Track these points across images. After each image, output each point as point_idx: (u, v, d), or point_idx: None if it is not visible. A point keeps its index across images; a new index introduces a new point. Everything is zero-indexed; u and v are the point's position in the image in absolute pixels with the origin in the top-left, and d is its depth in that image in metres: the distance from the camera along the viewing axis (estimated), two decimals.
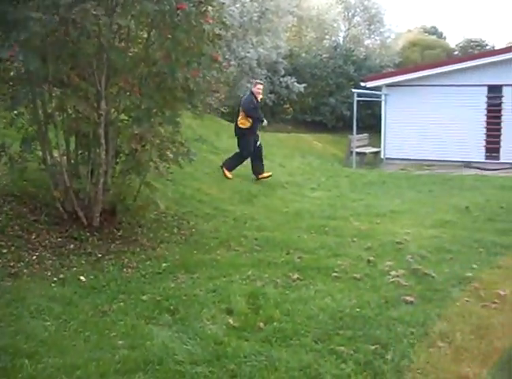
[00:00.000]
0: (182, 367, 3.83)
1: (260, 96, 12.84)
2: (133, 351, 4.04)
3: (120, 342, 4.20)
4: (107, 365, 3.80)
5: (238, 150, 12.61)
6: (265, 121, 13.30)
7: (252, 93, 12.68)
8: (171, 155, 7.26)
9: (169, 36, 6.65)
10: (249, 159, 12.60)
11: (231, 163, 12.33)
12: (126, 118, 7.24)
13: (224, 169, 12.11)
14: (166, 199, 8.69)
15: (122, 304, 5.02)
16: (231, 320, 4.69)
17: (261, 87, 12.96)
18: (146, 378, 3.68)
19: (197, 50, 6.86)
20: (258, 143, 12.65)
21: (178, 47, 6.63)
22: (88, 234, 6.70)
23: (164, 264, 6.20)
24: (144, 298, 5.16)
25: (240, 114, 12.48)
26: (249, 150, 12.44)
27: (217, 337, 4.34)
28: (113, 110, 7.04)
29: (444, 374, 3.82)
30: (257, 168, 12.59)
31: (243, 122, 12.41)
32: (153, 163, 7.05)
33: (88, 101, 6.63)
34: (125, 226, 7.28)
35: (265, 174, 12.56)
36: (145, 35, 7.10)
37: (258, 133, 12.93)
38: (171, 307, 4.94)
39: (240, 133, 12.52)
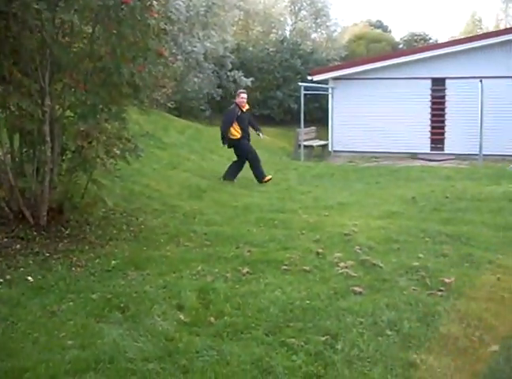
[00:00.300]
0: (133, 365, 3.81)
1: (245, 106, 12.80)
2: (84, 351, 4.00)
3: (70, 342, 4.15)
4: (56, 367, 3.76)
5: (236, 159, 12.86)
6: (262, 135, 13.55)
7: (237, 104, 12.72)
8: (117, 152, 7.19)
9: (114, 31, 6.58)
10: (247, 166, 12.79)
11: (258, 173, 12.56)
12: (72, 114, 7.14)
13: (262, 181, 12.43)
14: (114, 196, 8.61)
15: (71, 303, 4.95)
16: (181, 316, 4.69)
17: (244, 96, 12.86)
18: (97, 378, 3.65)
19: (143, 45, 6.81)
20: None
21: (123, 42, 6.57)
22: (34, 233, 6.59)
23: (114, 262, 6.14)
24: (93, 296, 5.11)
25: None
26: (251, 152, 12.64)
27: (168, 333, 4.34)
28: (58, 106, 6.93)
29: (393, 362, 3.91)
30: (234, 171, 12.70)
31: (233, 133, 12.53)
32: (100, 159, 6.97)
33: (32, 98, 6.51)
34: (72, 224, 7.18)
35: (235, 180, 12.54)
36: (90, 30, 6.99)
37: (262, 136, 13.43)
38: (122, 305, 4.90)
39: (234, 143, 12.68)
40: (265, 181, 12.44)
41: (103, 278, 5.67)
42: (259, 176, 12.56)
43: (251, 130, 13.12)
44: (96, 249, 6.59)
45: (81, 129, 6.54)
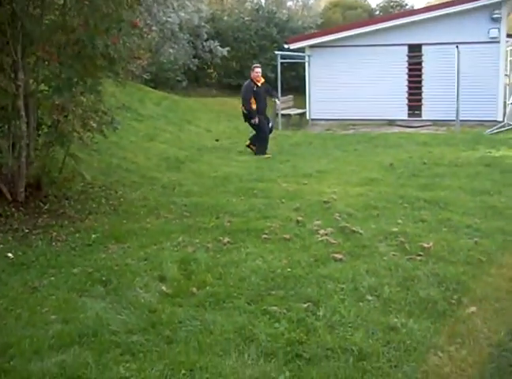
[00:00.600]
0: (117, 337, 3.83)
1: (260, 80, 12.84)
2: (67, 325, 4.01)
3: (53, 317, 4.16)
4: (40, 342, 3.76)
5: (254, 132, 12.95)
6: (278, 101, 14.28)
7: (251, 80, 12.80)
8: (94, 125, 7.14)
9: (86, 2, 6.48)
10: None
11: (260, 148, 12.60)
12: (46, 88, 7.04)
13: (260, 156, 12.32)
14: (92, 169, 8.57)
15: (52, 278, 4.95)
16: (164, 288, 4.71)
17: (258, 70, 12.89)
18: (82, 351, 3.66)
19: (116, 16, 6.71)
20: (270, 125, 13.09)
21: (96, 14, 6.48)
22: (13, 209, 6.56)
23: (94, 236, 6.13)
24: (75, 270, 5.11)
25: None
26: (264, 129, 12.75)
27: (151, 305, 4.36)
28: (32, 80, 6.84)
29: (374, 326, 3.96)
30: (263, 146, 12.74)
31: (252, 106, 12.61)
32: (77, 133, 6.92)
33: (5, 72, 6.43)
34: (51, 199, 7.15)
35: (266, 155, 12.44)
36: (61, 2, 6.88)
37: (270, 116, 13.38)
38: (103, 278, 4.91)
39: (247, 117, 12.81)
40: (267, 156, 12.32)
41: (84, 252, 5.67)
42: (260, 152, 12.53)
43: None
44: (76, 223, 6.57)
45: (56, 102, 6.47)
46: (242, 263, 5.27)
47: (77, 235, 6.17)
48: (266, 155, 12.39)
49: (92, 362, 3.50)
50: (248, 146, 12.86)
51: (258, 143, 12.77)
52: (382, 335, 3.82)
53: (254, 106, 12.60)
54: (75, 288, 4.73)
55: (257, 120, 12.54)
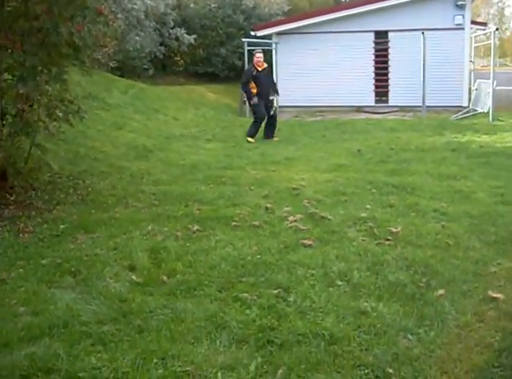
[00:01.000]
0: (88, 328, 3.81)
1: (262, 66, 13.05)
2: (37, 317, 3.97)
3: (22, 309, 4.11)
4: (10, 334, 3.71)
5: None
6: (275, 101, 13.46)
7: (253, 65, 13.10)
8: (60, 114, 7.05)
9: None
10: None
11: (251, 130, 12.88)
12: (10, 77, 6.91)
13: (247, 137, 12.70)
14: (59, 159, 8.47)
15: (21, 270, 4.89)
16: (134, 277, 4.69)
17: (260, 55, 13.11)
18: (52, 343, 3.63)
19: (81, 3, 6.60)
20: (272, 112, 13.16)
21: (60, 0, 6.36)
22: None
23: (62, 226, 6.07)
24: (43, 262, 5.05)
25: None
26: (261, 113, 12.96)
27: (122, 294, 4.33)
28: None
29: (344, 310, 4.00)
30: (268, 133, 13.14)
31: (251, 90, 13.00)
32: (42, 122, 6.82)
33: None
34: (18, 190, 7.05)
35: (274, 138, 13.02)
36: None
37: (275, 102, 13.40)
38: (73, 269, 4.87)
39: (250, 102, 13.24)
40: (248, 141, 12.57)
41: (53, 243, 5.62)
42: (249, 132, 12.89)
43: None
44: (44, 214, 6.50)
45: (21, 91, 6.35)
46: (212, 251, 5.27)
47: (45, 226, 6.10)
48: (251, 139, 12.63)
49: (62, 354, 3.47)
50: (246, 136, 12.93)
51: (252, 124, 13.04)
52: (353, 320, 3.86)
53: (254, 90, 12.92)
54: (44, 280, 4.68)
55: (256, 100, 12.91)
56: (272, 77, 13.72)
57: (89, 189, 7.68)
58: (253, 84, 12.93)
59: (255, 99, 12.95)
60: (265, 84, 13.04)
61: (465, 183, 7.80)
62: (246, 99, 13.48)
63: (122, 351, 3.52)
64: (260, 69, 12.97)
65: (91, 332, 3.75)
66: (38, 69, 6.66)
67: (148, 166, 9.41)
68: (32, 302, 4.25)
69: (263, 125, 13.13)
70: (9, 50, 6.54)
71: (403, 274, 4.65)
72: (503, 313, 3.92)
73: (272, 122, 13.24)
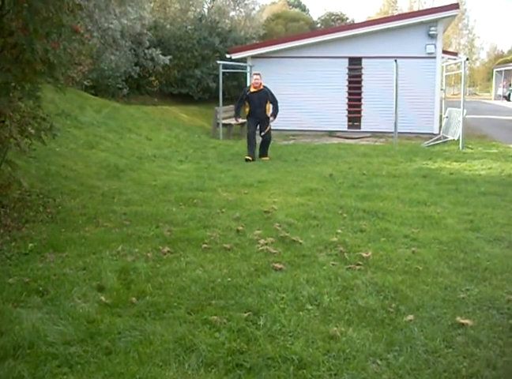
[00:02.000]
0: (54, 349, 3.74)
1: (257, 87, 13.59)
2: (1, 338, 3.89)
3: None
4: None
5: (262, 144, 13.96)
6: (272, 118, 13.84)
7: (251, 85, 14.08)
8: (32, 131, 6.99)
9: (25, 5, 6.32)
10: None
11: (248, 147, 13.63)
12: None
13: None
14: (29, 177, 8.37)
15: None
16: (102, 297, 4.63)
17: (256, 77, 13.73)
18: (17, 364, 3.56)
19: (57, 20, 6.58)
20: (263, 133, 13.73)
21: (35, 17, 6.31)
22: None
23: (31, 245, 5.98)
24: (10, 280, 4.97)
25: None
26: (249, 130, 13.75)
27: (90, 315, 4.28)
28: None
29: (314, 335, 4.00)
30: (261, 152, 13.79)
31: (245, 110, 14.01)
32: (14, 139, 6.74)
33: None
34: None
35: (263, 158, 13.66)
36: None
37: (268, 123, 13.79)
38: (40, 288, 4.80)
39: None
40: (245, 159, 13.25)
41: (20, 261, 5.53)
42: (248, 150, 13.56)
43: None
44: (12, 231, 6.40)
45: None
46: (182, 272, 5.24)
47: (13, 244, 6.01)
48: (247, 157, 13.34)
49: (27, 376, 3.41)
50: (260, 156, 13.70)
51: (247, 144, 13.78)
52: (322, 344, 3.86)
53: (246, 109, 13.81)
54: (10, 299, 4.59)
55: (238, 120, 14.80)
56: (270, 99, 13.78)
57: (59, 207, 7.59)
58: (246, 105, 13.72)
59: (238, 119, 14.59)
60: (256, 105, 13.52)
61: (435, 209, 7.88)
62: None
63: (88, 373, 3.47)
64: (253, 90, 13.59)
65: (57, 353, 3.69)
66: (11, 86, 6.61)
67: (120, 186, 9.35)
68: None
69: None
70: None
71: (373, 299, 4.66)
72: (471, 339, 3.95)
73: (264, 143, 13.84)
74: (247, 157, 13.29)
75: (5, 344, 3.78)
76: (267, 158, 13.61)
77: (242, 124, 20.37)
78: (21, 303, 4.53)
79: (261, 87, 13.60)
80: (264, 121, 13.65)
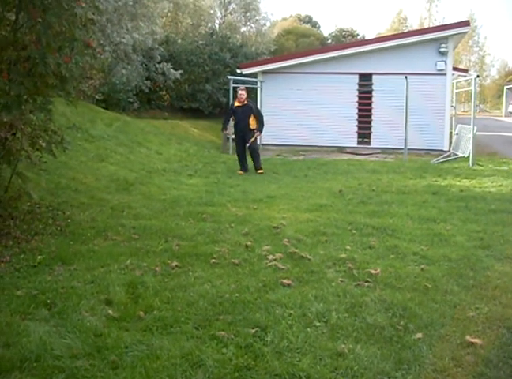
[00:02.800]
0: (61, 362, 3.73)
1: (242, 102, 13.92)
2: (8, 350, 3.88)
3: None
4: None
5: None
6: (257, 133, 14.14)
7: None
8: (43, 144, 7.03)
9: (39, 20, 6.39)
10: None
11: (239, 164, 14.05)
12: None
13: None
14: (39, 189, 8.42)
15: None
16: (110, 311, 4.63)
17: (240, 92, 14.01)
18: (23, 377, 3.55)
19: (70, 34, 6.64)
20: (248, 144, 13.94)
21: (49, 32, 6.38)
22: None
23: (40, 257, 5.99)
24: (18, 293, 4.97)
25: None
26: (237, 148, 14.26)
27: (97, 329, 4.27)
28: None
29: (321, 352, 3.97)
30: (255, 166, 13.98)
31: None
32: (25, 152, 6.79)
33: None
34: None
35: (258, 171, 13.82)
36: (13, 18, 6.77)
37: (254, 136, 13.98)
38: (48, 301, 4.80)
39: None
40: (238, 172, 13.72)
41: (29, 274, 5.54)
42: (240, 166, 14.02)
43: None
44: (21, 244, 6.42)
45: (5, 120, 6.33)
46: (191, 287, 5.23)
47: (22, 256, 6.02)
48: (239, 171, 13.79)
49: None
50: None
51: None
52: (330, 361, 3.83)
53: (233, 123, 14.31)
54: (18, 311, 4.60)
55: (227, 132, 15.22)
56: (254, 113, 14.12)
57: (69, 220, 7.61)
58: (233, 117, 14.26)
59: (225, 131, 15.17)
60: (240, 119, 13.93)
61: (445, 226, 7.84)
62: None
63: None
64: (238, 104, 13.99)
65: (64, 367, 3.68)
66: (23, 98, 6.65)
67: (129, 200, 9.37)
68: (5, 333, 4.16)
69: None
70: None
71: (381, 316, 4.63)
72: (481, 359, 3.91)
73: (251, 154, 14.03)
74: (239, 172, 13.81)
75: (12, 356, 3.78)
76: (261, 171, 13.77)
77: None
78: (29, 316, 4.53)
79: (245, 102, 13.98)
80: (248, 134, 13.94)
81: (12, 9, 6.78)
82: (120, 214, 8.30)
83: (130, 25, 20.98)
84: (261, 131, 14.26)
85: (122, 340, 4.07)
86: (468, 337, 4.23)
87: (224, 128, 14.79)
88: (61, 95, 7.43)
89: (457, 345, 4.14)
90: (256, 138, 14.19)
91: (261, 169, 13.86)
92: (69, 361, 3.76)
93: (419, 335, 4.26)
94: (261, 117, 14.31)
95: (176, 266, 5.86)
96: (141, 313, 4.60)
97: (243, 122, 13.89)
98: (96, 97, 17.64)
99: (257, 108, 14.42)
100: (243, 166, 13.98)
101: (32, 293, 4.97)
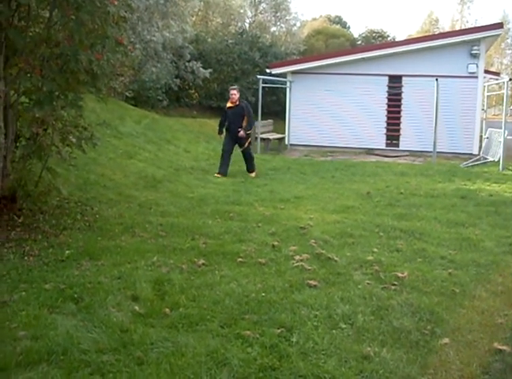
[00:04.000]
0: (87, 356, 3.77)
1: (233, 102, 13.28)
2: (36, 342, 3.93)
3: (22, 333, 4.07)
4: (8, 358, 3.67)
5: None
6: (241, 132, 13.17)
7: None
8: (73, 140, 7.09)
9: (72, 17, 6.44)
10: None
11: (220, 165, 12.99)
12: (27, 100, 6.98)
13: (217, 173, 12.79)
14: (69, 185, 8.50)
15: (23, 293, 4.86)
16: (136, 307, 4.65)
17: (232, 92, 13.33)
18: (50, 369, 3.59)
19: (102, 32, 6.69)
20: (241, 149, 13.31)
21: (81, 29, 6.43)
22: None
23: (68, 252, 6.05)
24: (47, 286, 5.02)
25: None
26: (223, 146, 13.30)
27: (123, 324, 4.29)
28: (13, 92, 6.77)
29: (347, 354, 3.95)
30: (247, 167, 13.37)
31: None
32: (55, 147, 6.86)
33: None
34: (26, 212, 7.05)
35: (251, 174, 13.16)
36: (47, 15, 6.83)
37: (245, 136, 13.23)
38: (76, 295, 4.84)
39: None
40: (215, 175, 12.68)
41: (57, 268, 5.59)
42: (219, 167, 12.96)
43: None
44: (50, 238, 6.48)
45: (37, 115, 6.40)
46: (217, 286, 5.24)
47: (51, 250, 6.08)
48: (217, 174, 12.74)
49: None
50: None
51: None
52: (355, 364, 3.81)
53: (225, 124, 13.35)
54: (46, 304, 4.65)
55: (221, 135, 13.53)
56: (246, 114, 13.29)
57: (97, 216, 7.68)
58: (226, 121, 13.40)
59: (220, 135, 13.64)
60: (232, 120, 13.21)
61: (473, 231, 7.76)
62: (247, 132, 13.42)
63: None
64: (230, 105, 13.37)
65: (90, 361, 3.71)
66: (55, 95, 6.72)
67: (157, 197, 9.42)
68: (33, 326, 4.21)
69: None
70: (28, 74, 6.61)
71: (408, 320, 4.60)
72: (509, 366, 3.86)
73: (246, 157, 13.44)
74: (216, 174, 12.71)
75: (39, 349, 3.82)
76: (254, 174, 13.19)
77: (280, 139, 20.44)
78: (56, 309, 4.58)
79: (238, 102, 13.29)
80: (240, 138, 13.19)
81: (46, 7, 6.85)
82: (147, 211, 8.34)
83: (161, 23, 21.11)
84: (245, 131, 13.17)
85: (147, 336, 4.09)
86: (496, 344, 4.18)
87: (220, 131, 13.60)
88: (92, 92, 7.49)
89: (484, 352, 4.10)
90: (250, 142, 13.58)
91: (254, 172, 13.29)
92: (96, 355, 3.79)
93: (446, 340, 4.22)
94: (252, 117, 13.54)
95: (203, 264, 5.88)
96: (167, 309, 4.62)
97: (235, 125, 13.14)
98: (126, 94, 17.79)
99: (249, 109, 13.40)
100: (223, 169, 12.91)
101: (60, 287, 5.01)
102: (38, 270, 5.49)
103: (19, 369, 3.58)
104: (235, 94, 13.27)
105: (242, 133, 13.09)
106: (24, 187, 7.17)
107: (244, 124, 13.18)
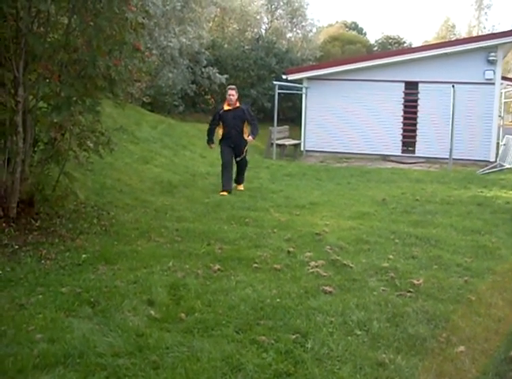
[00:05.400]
0: (103, 360, 3.79)
1: (233, 104, 11.30)
2: (53, 345, 3.97)
3: (38, 336, 4.11)
4: (25, 360, 3.71)
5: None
6: (250, 138, 11.32)
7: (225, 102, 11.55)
8: (91, 145, 7.16)
9: (91, 23, 6.52)
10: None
11: (222, 180, 11.09)
12: (45, 105, 7.06)
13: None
14: (85, 189, 8.56)
15: (40, 296, 4.90)
16: (152, 312, 4.68)
17: (230, 92, 11.36)
18: (66, 372, 3.62)
19: (120, 38, 6.76)
20: (238, 158, 11.34)
21: (99, 35, 6.51)
22: (4, 224, 6.51)
23: (84, 256, 6.10)
24: (63, 290, 5.06)
25: None
26: (223, 158, 11.22)
27: (139, 329, 4.32)
28: (31, 97, 6.85)
29: (362, 361, 3.95)
30: (236, 179, 11.60)
31: (219, 133, 11.43)
32: (73, 152, 6.93)
33: (5, 87, 6.44)
34: (43, 216, 7.12)
35: (238, 187, 11.55)
36: (66, 21, 6.91)
37: (246, 146, 11.43)
38: (92, 299, 4.87)
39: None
40: (220, 194, 10.72)
41: (73, 272, 5.63)
42: (223, 184, 11.02)
43: None
44: (67, 242, 6.53)
45: (55, 120, 6.47)
46: (232, 291, 5.25)
47: (67, 254, 6.13)
48: (221, 192, 10.79)
49: None
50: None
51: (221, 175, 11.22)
52: (370, 371, 3.81)
53: (221, 131, 11.34)
54: (63, 308, 4.69)
55: (212, 146, 11.59)
56: (248, 118, 11.32)
57: (113, 220, 7.72)
58: (221, 126, 11.32)
59: (211, 145, 11.57)
60: (232, 125, 11.15)
61: (490, 239, 7.71)
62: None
63: None
64: (227, 108, 11.27)
65: (106, 365, 3.74)
66: (73, 100, 6.79)
67: (173, 202, 9.46)
68: (49, 329, 4.25)
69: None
70: (47, 80, 6.68)
71: (423, 327, 4.58)
72: None
73: (239, 167, 11.56)
74: (222, 193, 10.76)
75: (56, 352, 3.85)
76: (242, 187, 11.59)
77: (296, 145, 20.44)
78: (73, 313, 4.61)
79: (237, 104, 11.33)
80: (240, 145, 11.23)
81: (65, 13, 6.93)
82: (163, 216, 8.38)
83: (178, 29, 21.22)
84: (254, 136, 11.30)
85: (163, 341, 4.11)
86: None
87: (210, 140, 11.53)
88: (109, 97, 7.56)
89: (500, 360, 4.07)
90: (247, 149, 11.56)
91: (241, 185, 11.65)
92: (112, 359, 3.82)
93: (461, 348, 4.20)
94: (255, 120, 11.46)
95: (218, 269, 5.89)
96: (183, 314, 4.64)
97: (235, 130, 11.15)
98: (143, 100, 17.88)
99: (250, 113, 11.50)
100: (228, 185, 10.97)
101: (76, 291, 5.05)
102: (55, 273, 5.54)
103: (36, 372, 3.61)
104: (233, 94, 11.27)
105: (251, 138, 11.29)
106: (42, 191, 7.24)
107: (246, 130, 11.33)
